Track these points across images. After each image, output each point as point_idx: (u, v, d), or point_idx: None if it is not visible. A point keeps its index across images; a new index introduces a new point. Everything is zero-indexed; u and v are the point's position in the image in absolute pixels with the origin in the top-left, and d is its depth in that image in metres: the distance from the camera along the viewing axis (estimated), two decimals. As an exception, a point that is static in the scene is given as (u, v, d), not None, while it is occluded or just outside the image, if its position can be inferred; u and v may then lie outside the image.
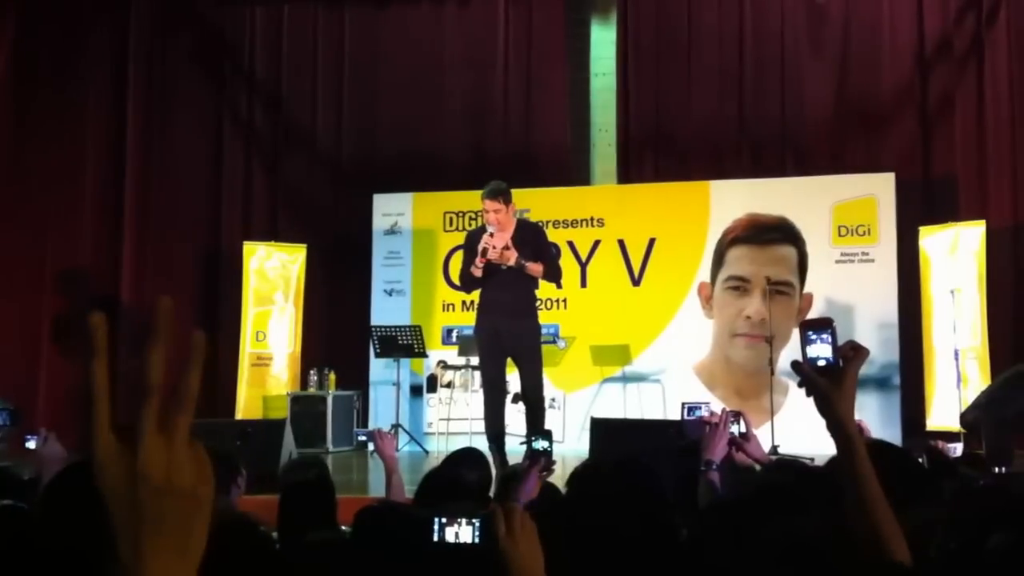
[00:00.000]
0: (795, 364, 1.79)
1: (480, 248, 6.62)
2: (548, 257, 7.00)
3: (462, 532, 2.11)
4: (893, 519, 1.72)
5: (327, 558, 2.66)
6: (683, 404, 4.13)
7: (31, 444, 3.76)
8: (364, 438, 4.56)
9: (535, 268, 6.74)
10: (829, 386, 1.75)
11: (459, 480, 3.44)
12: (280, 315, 10.22)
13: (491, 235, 6.64)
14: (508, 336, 6.81)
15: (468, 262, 6.86)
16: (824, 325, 1.77)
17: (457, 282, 9.10)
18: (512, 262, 6.62)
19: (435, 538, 2.11)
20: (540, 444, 3.35)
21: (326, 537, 2.82)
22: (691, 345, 9.58)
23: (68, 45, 10.61)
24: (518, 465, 3.45)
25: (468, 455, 3.68)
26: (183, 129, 10.80)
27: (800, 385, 1.78)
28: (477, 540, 2.10)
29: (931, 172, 9.75)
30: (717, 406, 8.79)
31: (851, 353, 1.78)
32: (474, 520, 2.11)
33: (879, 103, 9.90)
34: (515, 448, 7.16)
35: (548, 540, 1.88)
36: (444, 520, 2.10)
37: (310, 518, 3.05)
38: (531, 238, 6.94)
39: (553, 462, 3.39)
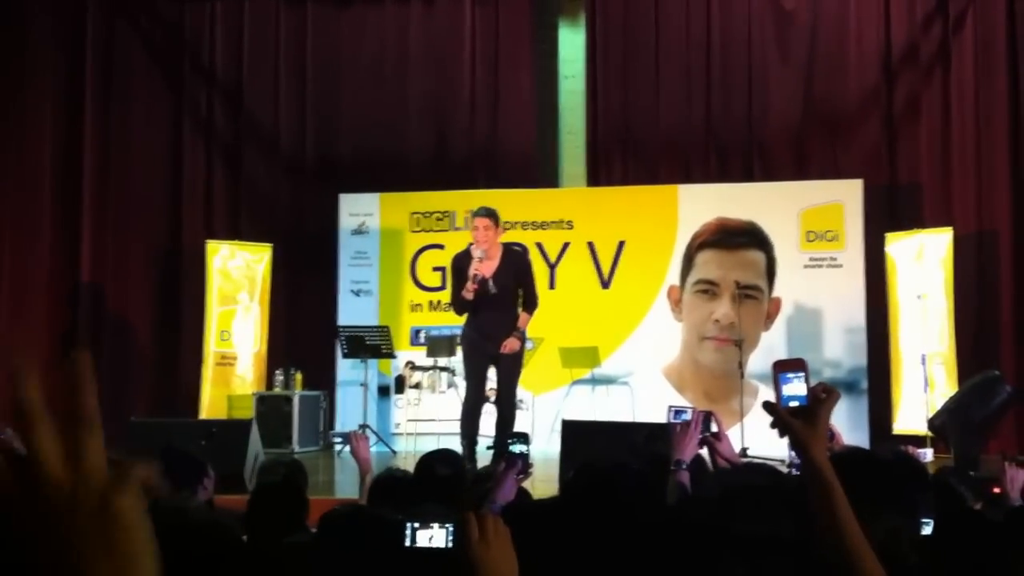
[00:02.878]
0: (767, 405, 1.78)
1: (471, 274, 6.89)
2: (530, 290, 7.22)
3: (435, 536, 2.07)
4: (869, 549, 1.70)
5: (297, 560, 2.61)
6: (670, 407, 4.11)
7: None
8: (340, 440, 4.52)
9: (524, 320, 7.11)
10: (805, 429, 1.74)
11: (428, 477, 3.40)
12: (245, 314, 10.12)
13: (480, 260, 6.93)
14: (495, 347, 7.05)
15: (457, 287, 7.13)
16: (798, 366, 1.78)
17: (428, 285, 9.21)
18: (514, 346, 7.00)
19: (407, 542, 2.07)
20: (518, 447, 3.32)
21: (296, 540, 2.76)
22: (660, 348, 9.58)
23: (23, 40, 10.42)
24: (494, 467, 3.41)
25: (441, 454, 3.65)
26: (142, 126, 10.63)
27: (773, 426, 1.77)
28: (449, 545, 2.06)
29: (897, 178, 9.82)
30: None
31: (823, 395, 1.77)
32: (447, 525, 2.08)
33: (846, 109, 9.96)
34: (481, 450, 7.15)
35: (522, 545, 1.85)
36: (417, 524, 2.06)
37: (280, 520, 2.99)
38: (516, 265, 7.21)
39: (530, 465, 3.36)
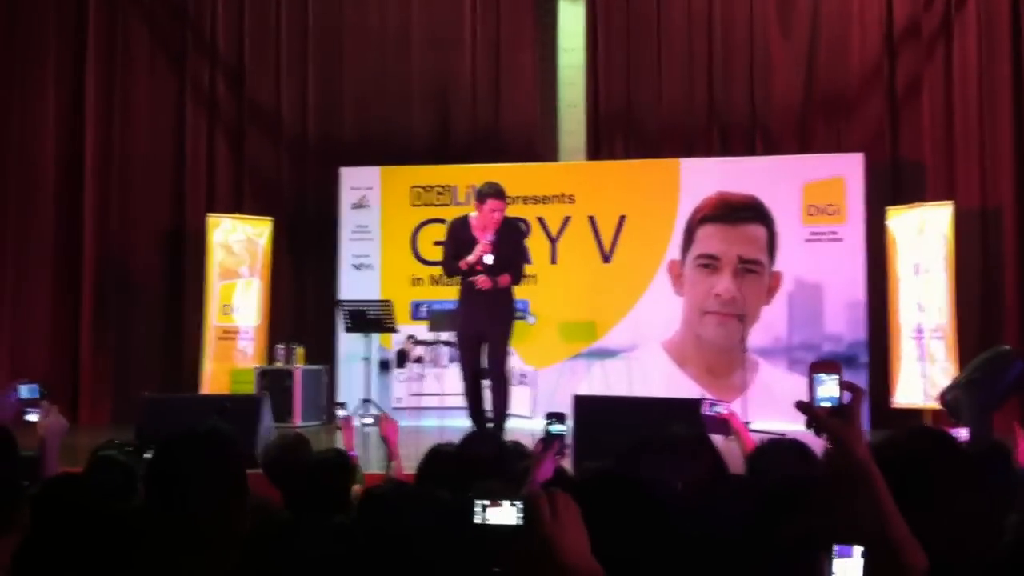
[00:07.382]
0: (801, 405, 1.85)
1: (476, 254, 7.04)
2: (518, 261, 7.34)
3: (504, 514, 2.09)
4: (914, 540, 1.75)
5: (346, 541, 2.61)
6: (704, 400, 4.24)
7: (32, 417, 3.67)
8: (371, 422, 4.54)
9: (504, 280, 7.15)
10: (843, 427, 1.81)
11: (466, 457, 3.42)
12: (246, 288, 10.10)
13: (488, 243, 7.07)
14: (485, 323, 7.18)
15: (450, 250, 7.29)
16: (832, 369, 1.85)
17: (429, 259, 9.25)
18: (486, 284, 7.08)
19: (477, 520, 2.09)
20: (556, 428, 3.38)
21: (343, 520, 2.77)
22: (661, 322, 9.60)
23: (26, 17, 10.34)
24: (528, 449, 3.44)
25: (481, 435, 3.68)
26: (145, 103, 10.57)
27: (808, 426, 1.84)
28: (520, 522, 2.08)
29: (899, 153, 9.84)
30: (688, 384, 8.83)
31: (851, 392, 1.85)
32: (516, 502, 2.09)
33: (848, 85, 9.96)
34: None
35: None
36: (487, 502, 2.08)
37: (327, 498, 3.00)
38: (511, 238, 7.32)
39: (566, 446, 3.40)
